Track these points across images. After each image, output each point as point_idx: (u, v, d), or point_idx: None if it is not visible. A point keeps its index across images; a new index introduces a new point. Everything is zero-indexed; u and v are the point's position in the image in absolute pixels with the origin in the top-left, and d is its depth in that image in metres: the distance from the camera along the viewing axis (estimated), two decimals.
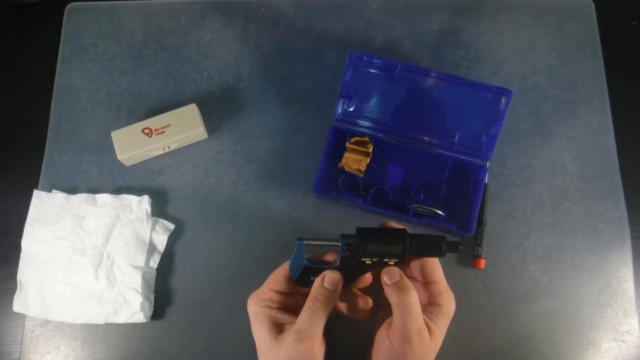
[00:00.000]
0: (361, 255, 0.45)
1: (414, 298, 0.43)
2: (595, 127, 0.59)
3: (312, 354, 0.43)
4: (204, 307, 0.54)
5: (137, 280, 0.53)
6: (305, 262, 0.46)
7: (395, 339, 0.43)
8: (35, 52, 0.67)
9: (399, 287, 0.43)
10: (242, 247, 0.56)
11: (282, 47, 0.62)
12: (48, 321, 0.54)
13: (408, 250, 0.45)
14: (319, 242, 0.46)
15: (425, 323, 0.43)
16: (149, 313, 0.53)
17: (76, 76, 0.62)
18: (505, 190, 0.57)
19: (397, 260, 0.45)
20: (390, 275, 0.44)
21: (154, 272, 0.55)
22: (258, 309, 0.45)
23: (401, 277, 0.44)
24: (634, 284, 0.54)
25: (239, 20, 0.63)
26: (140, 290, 0.53)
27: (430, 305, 0.45)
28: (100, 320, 0.53)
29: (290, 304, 0.47)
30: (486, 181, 0.56)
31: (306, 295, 0.45)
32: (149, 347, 0.54)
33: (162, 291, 0.55)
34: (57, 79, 0.62)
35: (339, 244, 0.45)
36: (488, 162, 0.56)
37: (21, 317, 0.55)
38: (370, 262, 0.45)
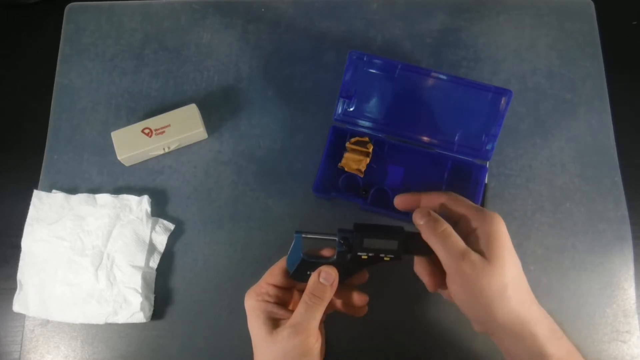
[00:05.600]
0: (357, 249, 0.45)
1: (446, 225, 0.43)
2: (595, 127, 0.59)
3: (307, 348, 0.43)
4: (204, 307, 0.54)
5: (137, 280, 0.53)
6: (302, 255, 0.46)
7: (453, 278, 0.42)
8: (35, 52, 0.67)
9: (432, 220, 0.43)
10: (242, 247, 0.56)
11: (282, 47, 0.62)
12: (48, 321, 0.54)
13: (404, 247, 0.45)
14: (317, 236, 0.46)
15: (479, 252, 0.42)
16: (149, 313, 0.53)
17: (76, 76, 0.62)
18: (505, 190, 0.57)
19: (392, 256, 0.45)
20: (420, 215, 0.44)
21: (154, 272, 0.55)
22: (254, 303, 0.45)
23: (429, 212, 0.44)
24: (634, 284, 0.54)
25: (239, 20, 0.63)
26: (140, 290, 0.53)
27: (472, 237, 0.43)
28: (100, 320, 0.53)
29: (288, 299, 0.47)
30: (486, 181, 0.56)
31: (303, 291, 0.45)
32: (149, 347, 0.54)
33: (162, 291, 0.55)
34: (57, 79, 0.62)
35: (336, 238, 0.45)
36: (488, 162, 0.56)
37: (21, 317, 0.55)
38: (366, 257, 0.45)
